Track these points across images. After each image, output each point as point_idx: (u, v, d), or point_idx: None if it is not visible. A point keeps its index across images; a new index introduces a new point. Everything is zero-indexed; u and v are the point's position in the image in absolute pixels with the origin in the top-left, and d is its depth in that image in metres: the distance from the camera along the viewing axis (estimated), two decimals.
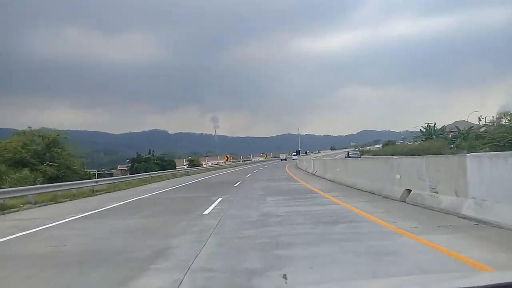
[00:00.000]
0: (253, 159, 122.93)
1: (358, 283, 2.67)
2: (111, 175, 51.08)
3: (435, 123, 76.67)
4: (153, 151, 64.79)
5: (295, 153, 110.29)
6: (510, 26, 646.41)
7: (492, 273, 2.85)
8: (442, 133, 75.93)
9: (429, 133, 75.91)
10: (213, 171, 48.21)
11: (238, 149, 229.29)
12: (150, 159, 60.69)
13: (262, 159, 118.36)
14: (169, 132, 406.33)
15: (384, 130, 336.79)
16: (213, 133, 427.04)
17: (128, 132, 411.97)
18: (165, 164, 58.00)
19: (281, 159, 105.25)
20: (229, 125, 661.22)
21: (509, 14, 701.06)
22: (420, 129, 77.91)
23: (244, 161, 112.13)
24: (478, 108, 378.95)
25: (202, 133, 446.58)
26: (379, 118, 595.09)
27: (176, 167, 57.81)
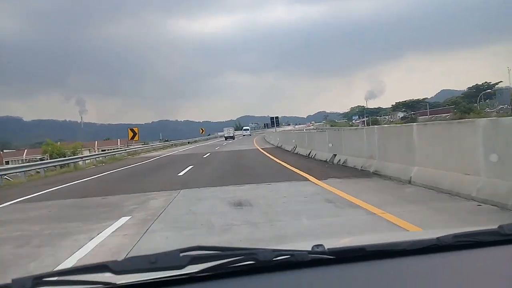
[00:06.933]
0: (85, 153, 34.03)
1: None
2: None
3: None
4: None
5: (247, 128, 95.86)
6: (376, 18, 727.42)
7: (419, 232, 2.95)
8: None
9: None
10: None
11: (109, 137, 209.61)
12: None
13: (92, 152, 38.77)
14: (25, 119, 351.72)
15: (263, 115, 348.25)
16: (79, 120, 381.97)
17: None
18: None
19: (226, 137, 66.94)
20: (99, 111, 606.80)
21: (377, 6, 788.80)
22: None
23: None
24: (346, 94, 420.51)
25: (65, 120, 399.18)
26: (257, 105, 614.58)
27: None
